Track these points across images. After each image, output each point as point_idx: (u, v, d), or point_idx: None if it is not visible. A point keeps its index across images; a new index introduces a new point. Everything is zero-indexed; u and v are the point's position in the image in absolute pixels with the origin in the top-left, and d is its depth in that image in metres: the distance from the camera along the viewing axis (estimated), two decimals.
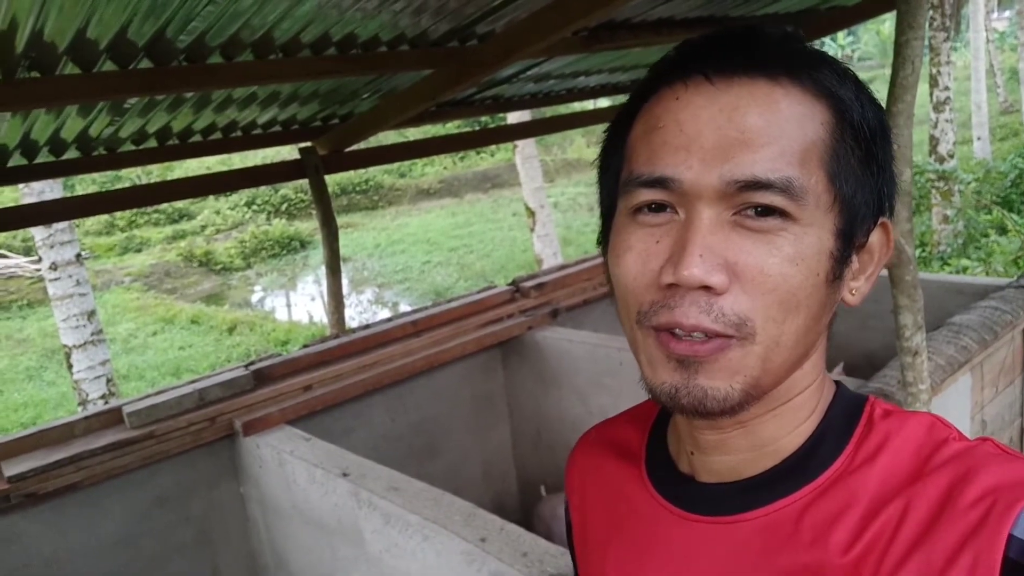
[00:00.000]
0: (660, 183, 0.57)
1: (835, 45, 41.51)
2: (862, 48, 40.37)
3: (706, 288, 0.54)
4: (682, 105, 0.57)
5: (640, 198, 0.58)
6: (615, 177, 0.63)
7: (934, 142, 9.65)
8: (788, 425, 0.62)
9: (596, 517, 0.74)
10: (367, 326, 3.43)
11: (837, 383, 0.67)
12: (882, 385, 2.37)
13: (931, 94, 9.66)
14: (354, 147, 3.60)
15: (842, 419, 0.63)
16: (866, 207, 0.59)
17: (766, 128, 0.55)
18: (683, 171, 0.56)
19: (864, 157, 0.58)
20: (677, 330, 0.56)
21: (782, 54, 0.58)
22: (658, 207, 0.58)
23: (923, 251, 9.07)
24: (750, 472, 0.62)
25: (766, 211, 0.55)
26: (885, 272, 2.18)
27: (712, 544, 0.62)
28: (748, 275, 0.55)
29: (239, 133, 3.23)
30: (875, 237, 0.61)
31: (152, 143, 3.00)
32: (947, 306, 3.17)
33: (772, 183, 0.54)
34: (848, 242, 0.58)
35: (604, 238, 0.65)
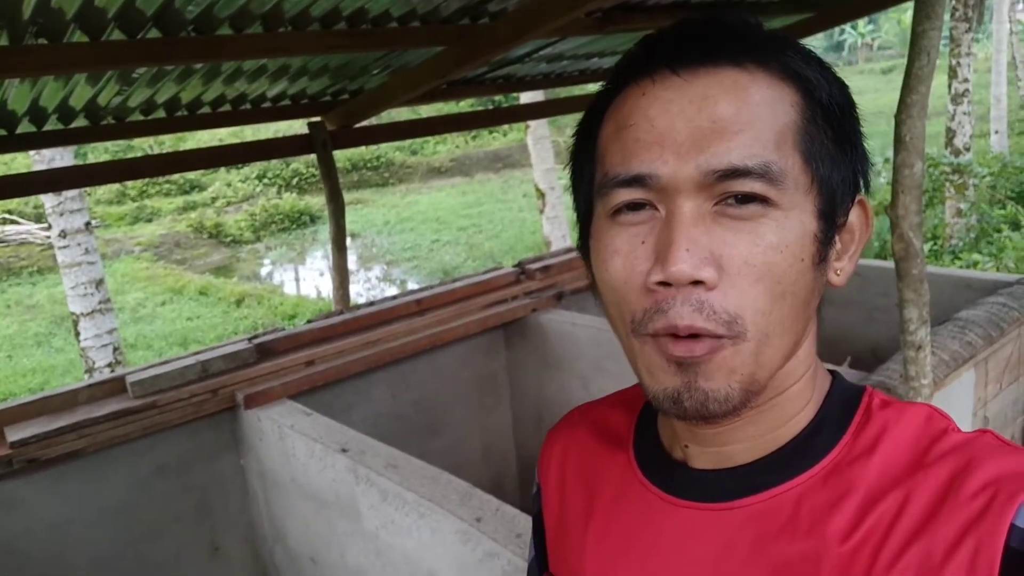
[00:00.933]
0: (637, 181, 0.56)
1: (855, 33, 41.09)
2: (882, 37, 39.91)
3: (696, 283, 0.54)
4: (650, 100, 0.57)
5: (618, 198, 0.58)
6: (589, 180, 0.62)
7: (950, 134, 9.55)
8: (785, 415, 0.62)
9: (575, 500, 0.73)
10: (371, 303, 3.43)
11: (834, 373, 0.66)
12: (884, 379, 2.36)
13: (949, 86, 9.54)
14: (363, 123, 3.58)
15: (840, 408, 0.62)
16: (843, 186, 0.59)
17: (737, 115, 0.54)
18: (659, 166, 0.55)
19: (836, 136, 0.58)
20: (668, 339, 0.55)
21: (745, 40, 0.57)
22: (637, 206, 0.57)
23: (935, 244, 9.01)
24: (746, 459, 0.62)
25: (746, 199, 0.54)
26: (892, 265, 2.17)
27: (704, 530, 0.61)
28: (734, 267, 0.54)
29: (248, 106, 3.21)
30: (854, 215, 0.61)
31: (161, 113, 3.00)
32: (955, 301, 3.15)
33: (750, 169, 0.54)
34: (830, 222, 0.58)
35: (583, 242, 0.65)
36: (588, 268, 0.64)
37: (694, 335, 0.54)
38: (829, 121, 0.57)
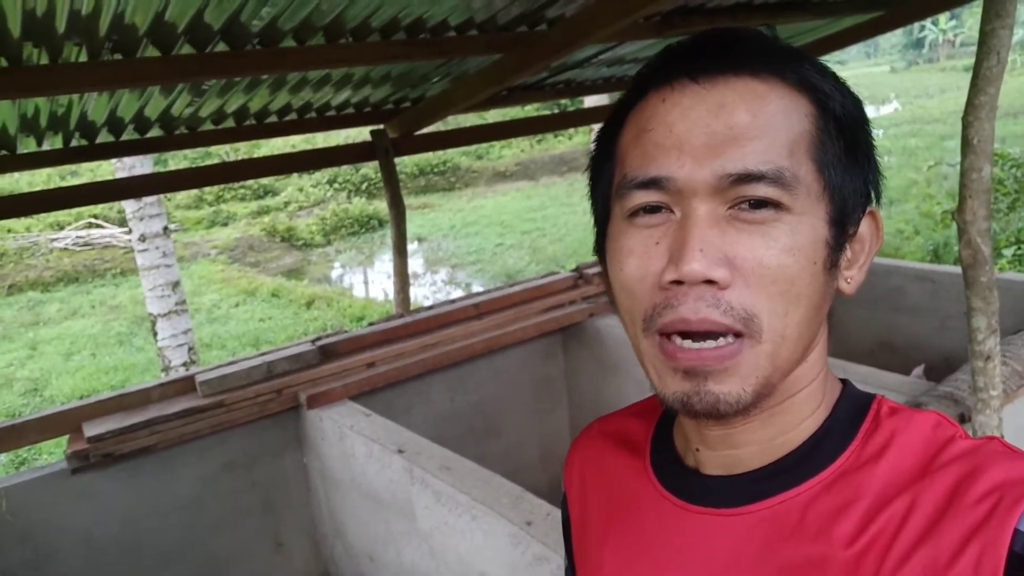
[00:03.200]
0: (654, 183, 0.58)
1: (936, 30, 39.58)
2: (965, 33, 38.34)
3: (709, 283, 0.55)
4: (670, 107, 0.59)
5: (636, 200, 0.59)
6: (608, 182, 0.64)
7: None
8: (794, 419, 0.62)
9: (596, 509, 0.74)
10: (431, 307, 3.49)
11: (844, 381, 0.67)
12: (952, 389, 2.28)
13: None
14: (424, 130, 3.64)
15: (848, 415, 0.63)
16: (855, 195, 0.60)
17: (753, 122, 0.56)
18: (676, 170, 0.57)
19: (848, 146, 0.59)
20: (678, 339, 0.56)
21: (762, 52, 0.59)
22: (653, 209, 0.59)
23: (1020, 248, 8.60)
24: (755, 465, 0.63)
25: (760, 203, 0.56)
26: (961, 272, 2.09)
27: (715, 535, 0.62)
28: (747, 268, 0.55)
29: (314, 114, 3.31)
30: (865, 226, 0.62)
31: (231, 123, 3.11)
32: None
33: (764, 174, 0.55)
34: (841, 230, 0.59)
35: (600, 246, 0.66)
36: (604, 271, 0.66)
37: (707, 337, 0.55)
38: (842, 132, 0.59)
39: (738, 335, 0.56)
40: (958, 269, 3.62)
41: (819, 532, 0.57)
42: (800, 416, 0.62)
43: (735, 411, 0.57)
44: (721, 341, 0.56)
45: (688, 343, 0.56)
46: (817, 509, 0.58)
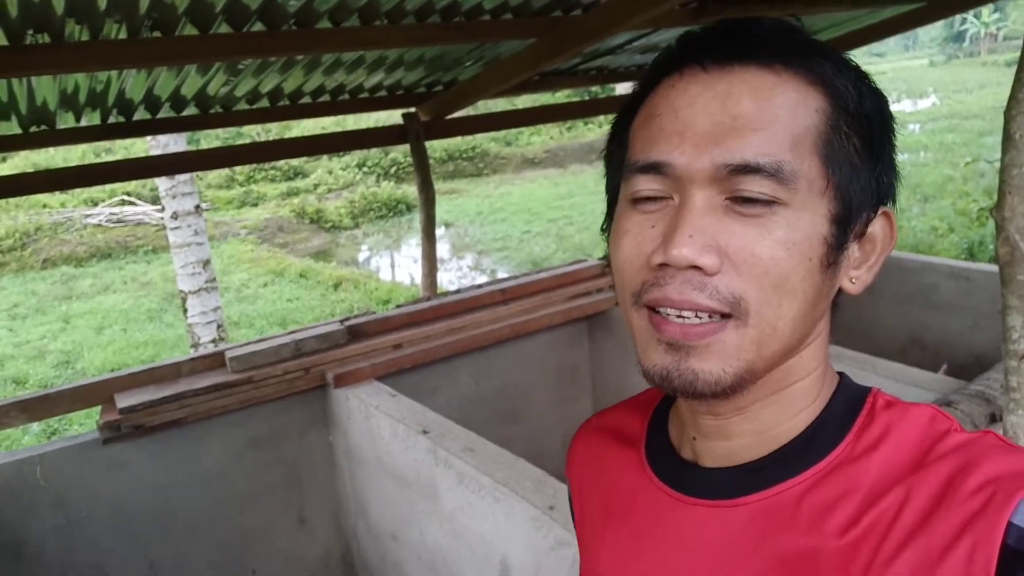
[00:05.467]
0: (655, 168, 0.58)
1: (978, 23, 38.73)
2: (1009, 26, 37.48)
3: (696, 269, 0.55)
4: (678, 93, 0.59)
5: (637, 184, 0.60)
6: (619, 166, 0.65)
7: None
8: (788, 411, 0.63)
9: (594, 502, 0.75)
10: (458, 291, 3.50)
11: (841, 374, 0.67)
12: (984, 388, 2.25)
13: None
14: (455, 114, 3.64)
15: (844, 408, 0.63)
16: (863, 195, 0.59)
17: (758, 114, 0.56)
18: (676, 156, 0.57)
19: (861, 146, 0.58)
20: (669, 310, 0.57)
21: (777, 43, 0.59)
22: (655, 199, 0.59)
23: None
24: (750, 457, 0.63)
25: (757, 195, 0.56)
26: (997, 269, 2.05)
27: (711, 527, 0.63)
28: (740, 257, 0.55)
29: (347, 96, 3.32)
30: (877, 226, 0.61)
31: (265, 103, 3.14)
32: None
33: (762, 167, 0.55)
34: (843, 229, 0.58)
35: (608, 225, 0.67)
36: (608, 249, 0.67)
37: (694, 315, 0.56)
38: (854, 130, 0.58)
39: (725, 316, 0.56)
40: (993, 267, 3.57)
41: (813, 524, 0.58)
42: (795, 408, 0.63)
43: (712, 391, 0.57)
44: (705, 319, 0.56)
45: (674, 317, 0.57)
46: (811, 501, 0.59)
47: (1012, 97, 1.91)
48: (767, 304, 0.56)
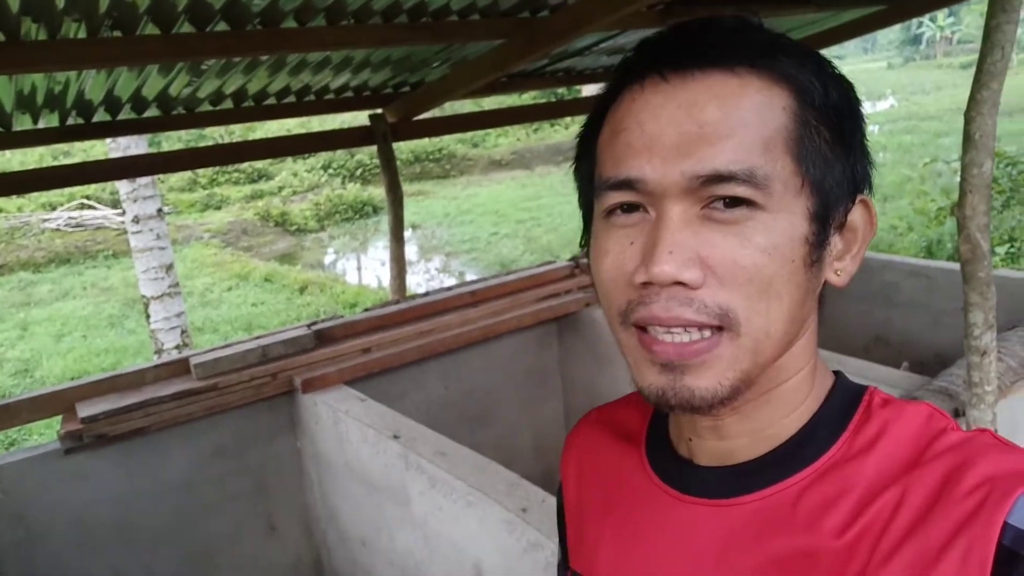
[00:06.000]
0: (627, 185, 0.57)
1: (934, 26, 39.63)
2: (962, 30, 38.41)
3: (680, 285, 0.55)
4: (641, 106, 0.58)
5: (610, 200, 0.59)
6: (589, 180, 0.64)
7: None
8: (783, 409, 0.62)
9: (593, 498, 0.75)
10: (426, 294, 3.48)
11: (837, 373, 0.66)
12: (947, 384, 2.29)
13: None
14: (423, 116, 3.62)
15: (840, 407, 0.63)
16: (839, 187, 0.58)
17: (725, 120, 0.55)
18: (647, 171, 0.56)
19: (832, 138, 0.58)
20: (657, 328, 0.56)
21: (737, 44, 0.57)
22: (630, 207, 0.58)
23: (1012, 247, 8.65)
24: (747, 456, 0.63)
25: (733, 202, 0.55)
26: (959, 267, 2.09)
27: (708, 526, 0.62)
28: (722, 268, 0.55)
29: (312, 97, 3.29)
30: (856, 215, 0.61)
31: (229, 104, 3.09)
32: None
33: (734, 174, 0.54)
34: (823, 224, 0.58)
35: (586, 240, 0.66)
36: (589, 266, 0.66)
37: (683, 331, 0.55)
38: (824, 123, 0.58)
39: (716, 328, 0.56)
40: (952, 265, 3.65)
41: (809, 523, 0.58)
42: (789, 407, 0.62)
43: (710, 405, 0.57)
44: (696, 334, 0.56)
45: (666, 335, 0.56)
46: (808, 501, 0.59)
47: (971, 98, 1.95)
48: (755, 312, 0.56)
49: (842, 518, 0.57)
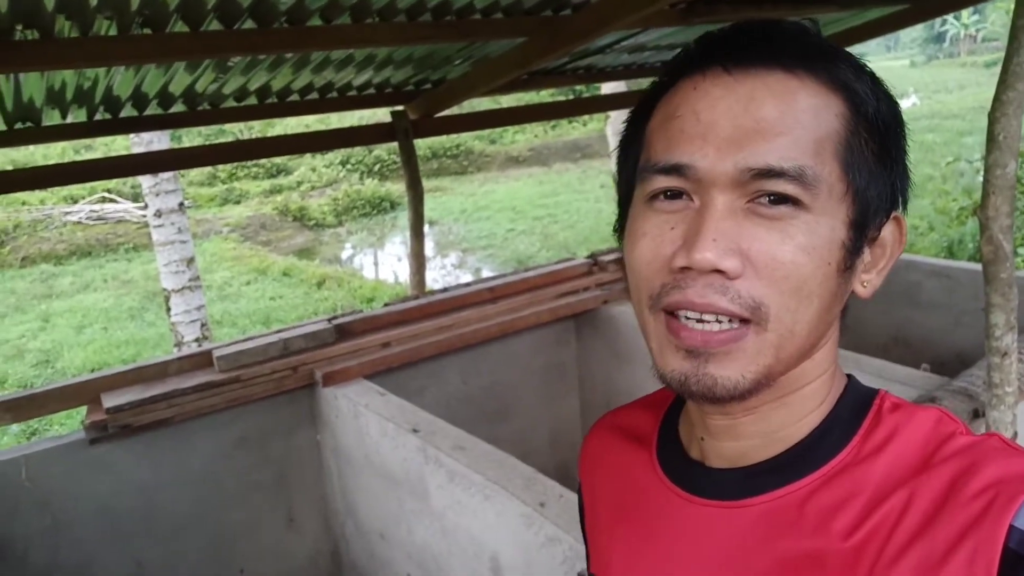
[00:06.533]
0: (676, 170, 0.58)
1: (958, 24, 39.16)
2: (987, 28, 37.92)
3: (718, 273, 0.55)
4: (700, 95, 0.59)
5: (656, 184, 0.60)
6: (633, 164, 0.64)
7: None
8: (797, 413, 0.63)
9: (605, 500, 0.76)
10: (445, 289, 3.50)
11: (849, 376, 0.67)
12: (967, 384, 2.28)
13: None
14: (444, 113, 3.64)
15: (851, 410, 0.63)
16: (879, 200, 0.59)
17: (781, 118, 0.56)
18: (699, 158, 0.57)
19: (878, 151, 0.59)
20: (688, 314, 0.57)
21: (799, 47, 0.59)
22: (674, 194, 0.59)
23: None
24: (758, 458, 0.64)
25: (779, 199, 0.56)
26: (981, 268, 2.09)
27: (718, 527, 0.63)
28: (761, 262, 0.56)
29: (335, 94, 3.31)
30: (888, 231, 0.62)
31: (253, 100, 3.12)
32: None
33: (785, 171, 0.55)
34: (860, 233, 0.59)
35: (621, 225, 0.67)
36: (622, 250, 0.66)
37: (714, 319, 0.56)
38: (872, 135, 0.59)
39: (744, 321, 0.56)
40: (974, 265, 3.63)
41: (818, 526, 0.58)
42: (804, 411, 0.63)
43: (731, 396, 0.58)
44: (725, 324, 0.56)
45: (694, 323, 0.57)
46: (817, 503, 0.59)
47: (996, 99, 1.94)
48: (786, 308, 0.56)
49: (850, 521, 0.57)
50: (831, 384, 0.64)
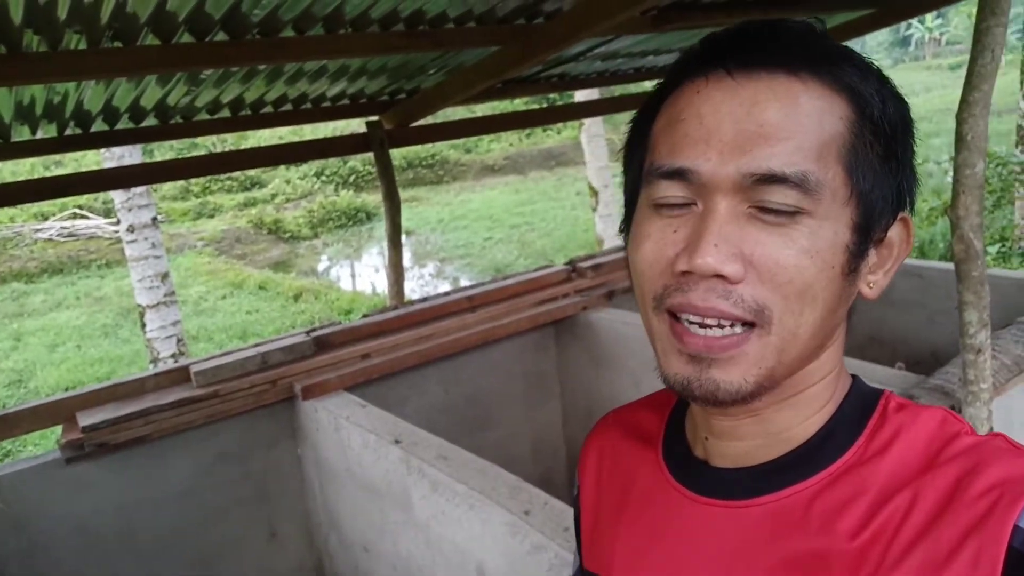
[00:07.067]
0: (679, 174, 0.58)
1: (922, 28, 39.86)
2: (951, 32, 38.63)
3: (720, 277, 0.55)
4: (703, 99, 0.58)
5: (660, 191, 0.60)
6: (638, 168, 0.65)
7: (1021, 132, 9.20)
8: (802, 414, 0.63)
9: (610, 498, 0.76)
10: (425, 299, 3.49)
11: (853, 376, 0.67)
12: (943, 382, 2.31)
13: (1022, 82, 9.20)
14: (419, 122, 3.64)
15: (856, 411, 0.64)
16: (884, 202, 0.59)
17: (784, 122, 0.56)
18: (702, 163, 0.57)
19: (884, 152, 0.59)
20: (691, 318, 0.57)
21: (803, 49, 0.58)
22: (680, 204, 0.59)
23: (1003, 246, 8.71)
24: (763, 458, 0.64)
25: (781, 205, 0.56)
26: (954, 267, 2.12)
27: (722, 527, 0.63)
28: (764, 266, 0.56)
29: (309, 105, 3.30)
30: (895, 232, 0.62)
31: (226, 113, 3.10)
32: (1020, 304, 3.06)
33: (787, 177, 0.55)
34: (865, 236, 0.59)
35: (626, 227, 0.67)
36: (626, 251, 0.66)
37: (717, 323, 0.56)
38: (878, 137, 0.58)
39: (747, 324, 0.56)
40: (945, 265, 3.68)
41: (823, 526, 0.58)
42: (808, 411, 0.63)
43: (733, 400, 0.58)
44: (728, 330, 0.56)
45: (697, 328, 0.57)
46: (822, 503, 0.59)
47: (963, 100, 1.97)
48: (789, 312, 0.56)
49: (855, 521, 0.57)
50: (836, 385, 0.64)
